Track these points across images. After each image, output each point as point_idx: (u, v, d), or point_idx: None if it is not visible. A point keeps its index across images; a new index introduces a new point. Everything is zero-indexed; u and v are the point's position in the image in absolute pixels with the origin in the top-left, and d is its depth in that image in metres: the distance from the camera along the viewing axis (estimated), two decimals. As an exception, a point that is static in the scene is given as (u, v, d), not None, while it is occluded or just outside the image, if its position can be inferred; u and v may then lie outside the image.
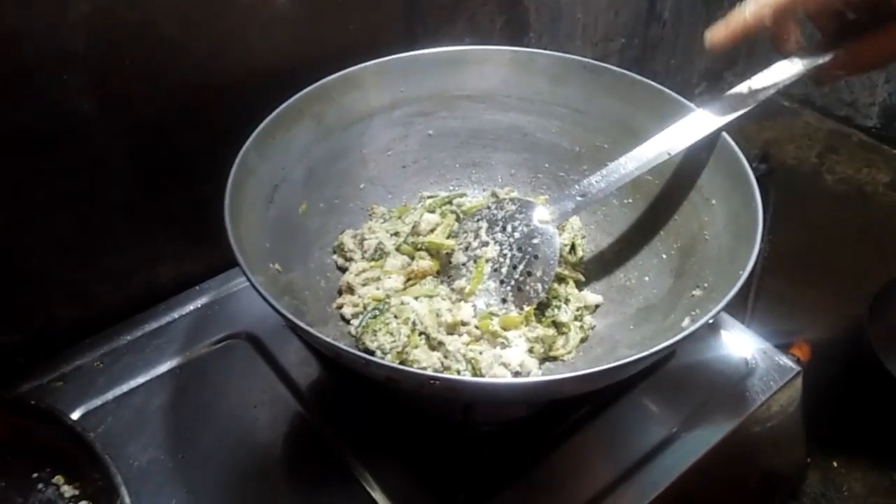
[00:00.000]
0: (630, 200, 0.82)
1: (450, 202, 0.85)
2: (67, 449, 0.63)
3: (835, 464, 1.00)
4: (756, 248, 0.62)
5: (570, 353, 0.73)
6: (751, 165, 1.33)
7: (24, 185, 0.69)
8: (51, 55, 0.64)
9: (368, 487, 0.67)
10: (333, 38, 0.82)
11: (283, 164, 0.74)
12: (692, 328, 0.57)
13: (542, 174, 0.88)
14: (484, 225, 0.77)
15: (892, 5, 0.58)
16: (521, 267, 0.74)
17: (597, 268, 0.82)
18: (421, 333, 0.70)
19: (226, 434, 0.71)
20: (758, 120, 1.53)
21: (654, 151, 0.72)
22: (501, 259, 0.75)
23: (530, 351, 0.71)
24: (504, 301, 0.74)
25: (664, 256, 0.77)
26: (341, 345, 0.54)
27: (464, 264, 0.77)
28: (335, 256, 0.80)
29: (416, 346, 0.69)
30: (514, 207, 0.76)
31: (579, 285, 0.80)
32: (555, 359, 0.73)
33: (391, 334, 0.70)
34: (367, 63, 0.80)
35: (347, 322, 0.74)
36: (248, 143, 0.69)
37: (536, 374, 0.70)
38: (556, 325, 0.74)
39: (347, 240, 0.80)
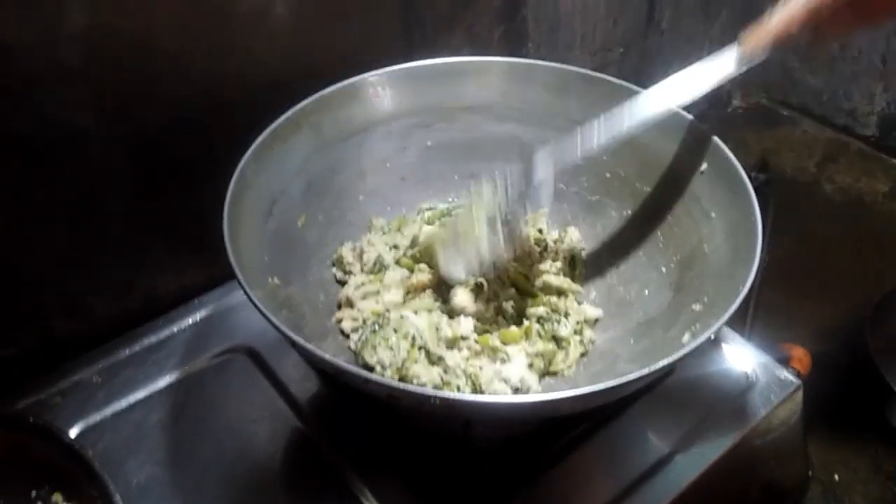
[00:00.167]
0: (629, 212, 0.82)
1: (449, 214, 0.85)
2: (65, 466, 0.63)
3: (836, 477, 0.99)
4: (756, 263, 0.62)
5: (570, 367, 0.73)
6: (749, 174, 1.33)
7: (20, 197, 0.69)
8: (48, 68, 0.64)
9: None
10: (332, 50, 0.82)
11: (281, 176, 0.74)
12: (693, 345, 0.57)
13: (540, 186, 0.88)
14: (489, 190, 0.73)
15: None
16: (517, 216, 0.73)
17: (596, 281, 0.82)
18: (421, 348, 0.70)
19: (225, 449, 0.71)
20: (757, 128, 1.53)
21: (658, 102, 0.71)
22: (499, 212, 0.72)
23: (530, 366, 0.71)
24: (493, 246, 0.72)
25: (663, 270, 0.76)
26: (341, 362, 0.54)
27: (464, 216, 0.75)
28: (334, 269, 0.80)
29: (416, 361, 0.69)
30: (517, 173, 0.73)
31: (579, 298, 0.79)
32: (555, 373, 0.73)
33: (391, 349, 0.70)
34: (366, 74, 0.80)
35: (347, 336, 0.74)
36: (246, 157, 0.69)
37: (536, 390, 0.70)
38: (556, 339, 0.74)
39: (346, 253, 0.80)
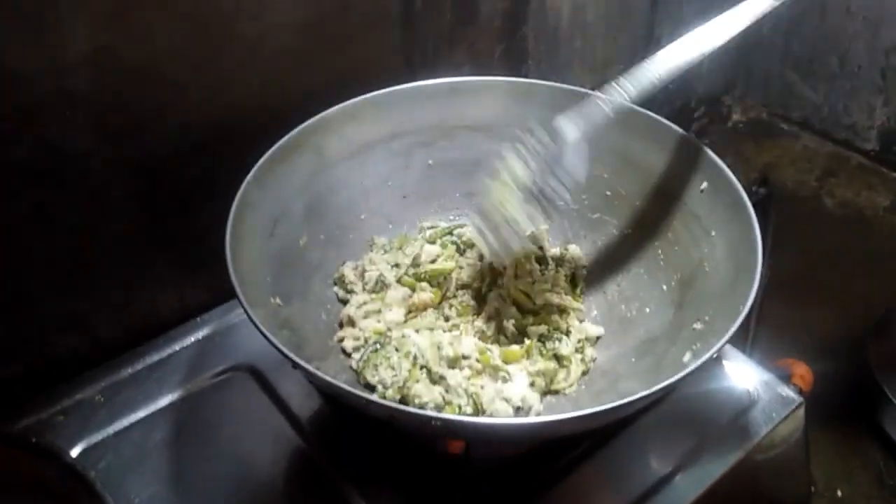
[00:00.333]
0: (630, 231, 0.82)
1: (450, 233, 0.85)
2: (67, 486, 0.63)
3: (839, 493, 0.99)
4: (756, 283, 0.62)
5: (571, 386, 0.73)
6: (750, 189, 1.34)
7: (22, 217, 0.69)
8: (52, 94, 0.64)
9: (369, 522, 0.67)
10: (333, 71, 0.82)
11: (283, 197, 0.75)
12: (694, 365, 0.57)
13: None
14: (513, 155, 0.72)
15: None
16: (549, 182, 0.71)
17: (597, 298, 0.82)
18: (422, 367, 0.70)
19: (226, 468, 0.71)
20: (757, 143, 1.53)
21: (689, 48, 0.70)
22: (528, 180, 0.71)
23: (532, 385, 0.71)
24: (531, 217, 0.71)
25: (664, 288, 0.77)
26: (341, 383, 0.54)
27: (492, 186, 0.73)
28: (336, 288, 0.80)
29: (418, 381, 0.69)
30: (544, 134, 0.71)
31: (580, 316, 0.80)
32: (556, 392, 0.73)
33: (392, 368, 0.70)
34: (367, 95, 0.81)
35: (348, 355, 0.74)
36: (248, 178, 0.69)
37: (538, 410, 0.70)
38: (558, 357, 0.74)
39: (348, 272, 0.80)
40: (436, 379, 0.70)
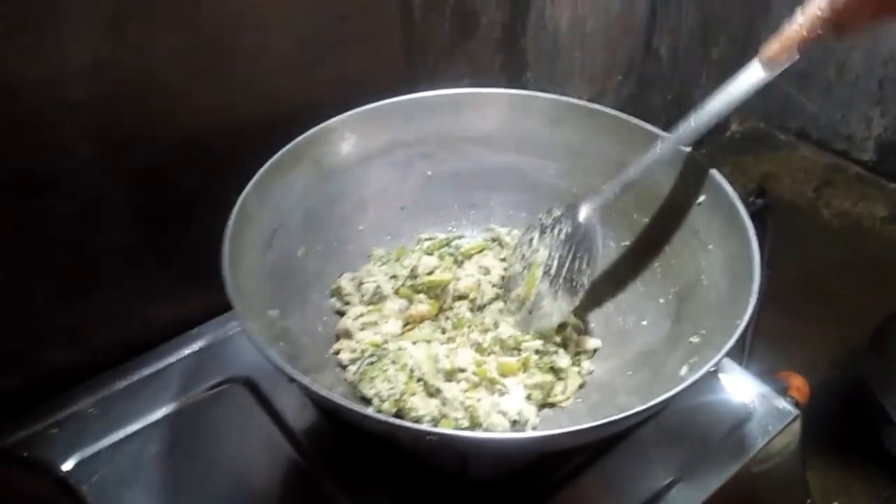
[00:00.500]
0: (627, 243, 0.82)
1: (448, 244, 0.85)
2: (60, 500, 0.63)
3: (836, 504, 0.99)
4: (753, 297, 0.62)
5: (568, 399, 0.73)
6: (748, 199, 1.34)
7: (18, 228, 0.69)
8: (51, 104, 0.64)
9: (365, 537, 0.67)
10: (333, 83, 0.82)
11: (281, 208, 0.74)
12: (691, 379, 0.57)
13: (540, 215, 0.88)
14: (536, 234, 0.79)
15: None
16: (567, 263, 0.75)
17: (594, 311, 0.82)
18: (419, 380, 0.70)
19: (222, 482, 0.71)
20: (755, 153, 1.54)
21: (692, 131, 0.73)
22: (551, 261, 0.76)
23: (528, 398, 0.71)
24: (555, 297, 0.75)
25: (661, 301, 0.76)
26: (337, 397, 0.54)
27: (519, 274, 0.79)
28: (333, 300, 0.80)
29: (414, 394, 0.69)
30: (559, 212, 0.78)
31: (578, 330, 0.79)
32: (553, 405, 0.73)
33: (388, 381, 0.69)
34: (366, 106, 0.80)
35: (345, 368, 0.74)
36: (247, 190, 0.69)
37: (535, 423, 0.70)
38: (554, 370, 0.73)
39: (345, 283, 0.80)
40: (432, 392, 0.69)
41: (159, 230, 0.78)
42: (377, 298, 0.78)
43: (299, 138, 0.75)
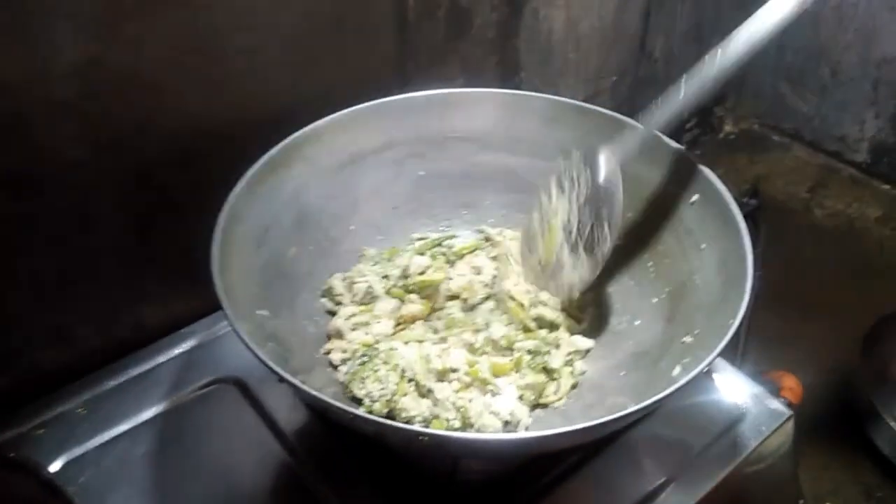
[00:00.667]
0: (620, 242, 0.82)
1: (440, 244, 0.85)
2: (48, 503, 0.62)
3: (828, 505, 0.99)
4: (746, 298, 0.62)
5: (560, 399, 0.72)
6: (741, 200, 1.34)
7: (5, 228, 0.68)
8: (40, 103, 0.63)
9: (356, 539, 0.66)
10: (326, 83, 0.82)
11: (273, 208, 0.74)
12: (684, 380, 0.57)
13: (533, 215, 0.88)
14: (554, 187, 0.75)
15: None
16: (588, 228, 0.72)
17: (587, 311, 0.81)
18: (410, 380, 0.69)
19: (211, 483, 0.70)
20: (748, 154, 1.54)
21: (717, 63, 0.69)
22: (570, 226, 0.74)
23: (520, 398, 0.71)
24: (575, 265, 0.74)
25: (654, 301, 0.76)
26: (327, 397, 0.54)
27: (539, 233, 0.76)
28: (324, 300, 0.80)
29: (405, 395, 0.68)
30: (580, 162, 0.74)
31: (571, 329, 0.79)
32: (545, 405, 0.72)
33: (379, 381, 0.69)
34: (359, 106, 0.80)
35: (336, 368, 0.74)
36: (237, 189, 0.69)
37: (527, 423, 0.69)
38: (547, 370, 0.73)
39: (337, 283, 0.79)
40: (424, 392, 0.69)
41: (149, 230, 0.77)
42: (369, 298, 0.78)
43: (290, 137, 0.75)
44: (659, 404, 0.56)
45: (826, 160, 1.51)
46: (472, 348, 0.74)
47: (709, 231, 0.73)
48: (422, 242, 0.85)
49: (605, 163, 0.72)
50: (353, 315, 0.76)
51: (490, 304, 0.79)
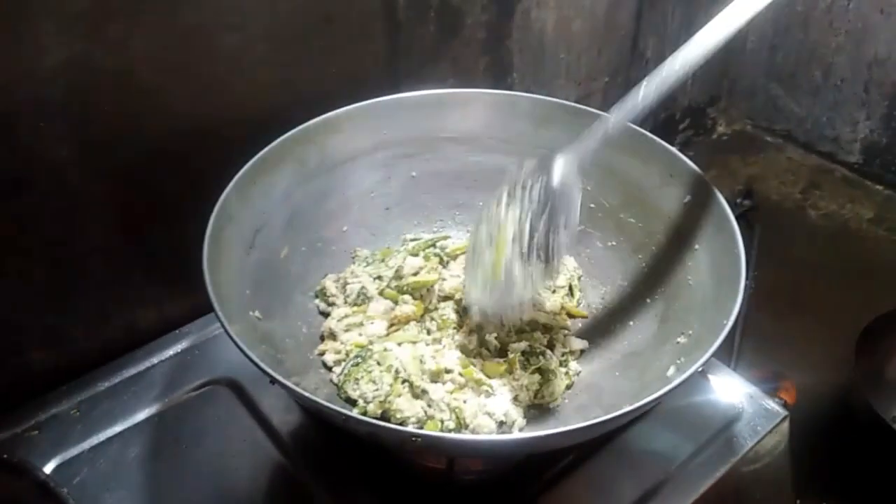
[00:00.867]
0: (614, 243, 0.82)
1: (433, 245, 0.84)
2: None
3: (823, 506, 0.99)
4: (739, 297, 0.62)
5: (555, 400, 0.72)
6: (735, 201, 1.34)
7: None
8: (27, 103, 0.63)
9: (350, 540, 0.66)
10: (316, 82, 0.82)
11: (264, 208, 0.74)
12: (678, 380, 0.57)
13: (526, 215, 0.87)
14: (505, 193, 0.67)
15: None
16: (541, 228, 0.64)
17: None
18: (404, 381, 0.69)
19: (205, 484, 0.70)
20: (742, 155, 1.54)
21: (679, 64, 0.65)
22: (522, 226, 0.65)
23: (515, 399, 0.70)
24: (527, 265, 0.65)
25: (648, 301, 0.76)
26: (319, 399, 0.53)
27: (486, 243, 0.68)
28: (317, 301, 0.79)
29: (400, 395, 0.68)
30: (532, 165, 0.67)
31: (565, 330, 0.79)
32: (540, 406, 0.72)
33: (373, 382, 0.69)
34: (350, 107, 0.80)
35: (329, 369, 0.73)
36: (228, 189, 0.69)
37: (521, 424, 0.69)
38: (541, 371, 0.73)
39: (329, 284, 0.79)
40: (418, 393, 0.69)
41: (140, 231, 0.77)
42: (362, 299, 0.78)
43: (282, 138, 0.75)
44: (653, 404, 0.56)
45: (819, 161, 1.51)
46: (465, 349, 0.74)
47: (702, 231, 0.73)
48: (415, 243, 0.84)
49: (561, 167, 0.66)
50: (347, 316, 0.76)
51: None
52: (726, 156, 1.54)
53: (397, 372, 0.69)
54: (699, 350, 0.60)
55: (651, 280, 0.77)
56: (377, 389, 0.68)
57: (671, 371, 0.65)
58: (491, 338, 0.75)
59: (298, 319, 0.76)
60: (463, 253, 0.84)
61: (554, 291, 0.82)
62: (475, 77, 0.99)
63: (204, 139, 0.75)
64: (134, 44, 0.67)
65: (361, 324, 0.76)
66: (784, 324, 1.20)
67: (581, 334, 0.79)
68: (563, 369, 0.75)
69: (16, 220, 0.68)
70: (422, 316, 0.77)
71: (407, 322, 0.76)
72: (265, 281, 0.72)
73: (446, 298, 0.79)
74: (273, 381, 0.54)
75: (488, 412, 0.68)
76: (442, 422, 0.67)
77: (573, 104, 0.83)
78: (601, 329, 0.79)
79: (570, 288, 0.83)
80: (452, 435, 0.64)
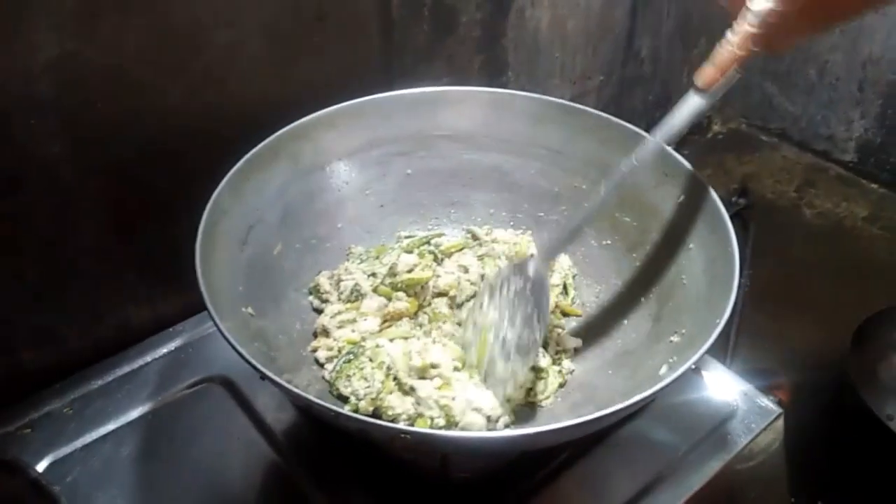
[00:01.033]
0: (608, 242, 0.82)
1: (428, 242, 0.84)
2: (34, 503, 0.61)
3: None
4: (732, 297, 0.62)
5: (548, 398, 0.72)
6: (730, 199, 1.34)
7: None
8: (19, 99, 0.63)
9: (344, 538, 0.66)
10: (311, 79, 0.82)
11: (258, 204, 0.74)
12: (670, 378, 0.57)
13: (521, 214, 0.88)
14: (486, 297, 0.72)
15: None
16: (518, 322, 0.69)
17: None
18: (395, 378, 0.69)
19: (198, 483, 0.70)
20: (737, 154, 1.54)
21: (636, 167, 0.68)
22: (501, 322, 0.70)
23: (508, 398, 0.70)
24: (507, 360, 0.69)
25: (642, 300, 0.76)
26: (310, 395, 0.53)
27: (472, 341, 0.72)
28: (311, 298, 0.79)
29: (391, 392, 0.68)
30: (507, 271, 0.72)
31: (559, 328, 0.79)
32: (533, 404, 0.72)
33: (365, 379, 0.69)
34: (345, 104, 0.80)
35: (322, 366, 0.73)
36: (221, 185, 0.69)
37: (508, 421, 0.69)
38: (534, 369, 0.73)
39: (323, 281, 0.79)
40: (406, 390, 0.68)
41: (133, 229, 0.77)
42: (355, 296, 0.78)
43: (276, 134, 0.75)
44: (646, 402, 0.56)
45: (814, 160, 1.52)
46: (455, 339, 0.74)
47: (696, 231, 0.73)
48: (409, 240, 0.84)
49: (533, 269, 0.71)
50: (340, 313, 0.76)
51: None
52: (721, 154, 1.54)
53: (389, 368, 0.69)
54: (692, 349, 0.60)
55: (645, 279, 0.77)
56: (369, 386, 0.68)
57: (663, 370, 0.65)
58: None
59: (291, 316, 0.76)
60: (458, 250, 0.84)
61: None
62: (470, 75, 0.99)
63: (197, 136, 0.75)
64: (126, 40, 0.67)
65: (355, 320, 0.75)
66: (779, 321, 1.20)
67: (575, 333, 0.79)
68: (557, 367, 0.75)
69: (8, 218, 0.68)
70: (415, 313, 0.77)
71: (400, 318, 0.76)
72: (258, 277, 0.72)
73: (440, 295, 0.79)
74: (263, 377, 0.54)
75: (476, 408, 0.68)
76: (432, 419, 0.67)
77: (568, 102, 0.83)
78: (595, 327, 0.79)
79: (565, 286, 0.83)
80: (442, 432, 0.64)
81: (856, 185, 1.47)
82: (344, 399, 0.69)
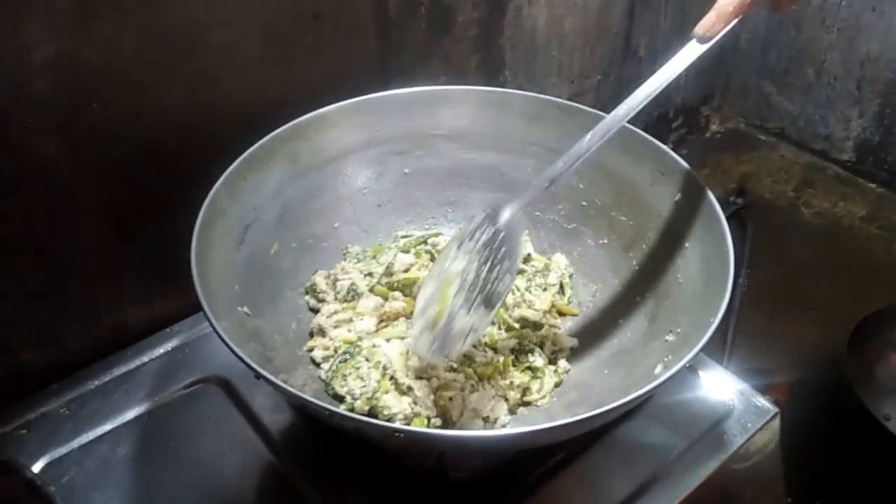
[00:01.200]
0: (605, 241, 0.82)
1: (424, 242, 0.84)
2: (28, 502, 0.61)
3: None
4: (727, 296, 0.62)
5: (544, 398, 0.72)
6: (728, 199, 1.34)
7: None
8: (15, 98, 0.63)
9: (340, 538, 0.66)
10: (307, 79, 0.82)
11: (254, 204, 0.74)
12: (664, 377, 0.57)
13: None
14: (455, 246, 0.68)
15: None
16: (484, 273, 0.66)
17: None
18: (391, 378, 0.69)
19: (195, 483, 0.70)
20: (735, 153, 1.54)
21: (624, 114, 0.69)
22: (466, 273, 0.66)
23: (504, 398, 0.70)
24: (469, 311, 0.65)
25: (638, 299, 0.76)
26: (305, 395, 0.53)
27: (434, 292, 0.67)
28: (307, 297, 0.79)
29: (387, 392, 0.68)
30: (479, 218, 0.69)
31: (555, 328, 0.79)
32: (529, 404, 0.72)
33: (361, 379, 0.69)
34: (342, 103, 0.80)
35: (318, 366, 0.73)
36: (218, 184, 0.69)
37: (505, 421, 0.69)
38: (531, 369, 0.73)
39: (320, 280, 0.79)
40: (403, 390, 0.69)
41: (131, 229, 0.77)
42: (352, 296, 0.78)
43: (272, 134, 0.75)
44: (640, 401, 0.56)
45: (812, 159, 1.51)
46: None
47: (693, 230, 0.73)
48: (406, 240, 0.84)
49: (507, 216, 0.68)
50: (336, 312, 0.76)
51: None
52: (719, 154, 1.54)
53: (385, 368, 0.69)
54: (687, 347, 0.60)
55: (641, 278, 0.77)
56: (364, 386, 0.68)
57: (659, 369, 0.65)
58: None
59: (288, 316, 0.76)
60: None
61: (545, 289, 0.82)
62: (467, 74, 0.99)
63: (194, 136, 0.75)
64: (123, 40, 0.67)
65: (351, 320, 0.76)
66: (776, 321, 1.20)
67: (571, 332, 0.79)
68: (553, 367, 0.75)
69: (6, 218, 0.68)
70: (412, 312, 0.77)
71: (396, 318, 0.76)
72: (255, 277, 0.72)
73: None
74: (258, 376, 0.54)
75: (474, 409, 0.68)
76: (429, 419, 0.67)
77: (565, 102, 0.83)
78: (591, 327, 0.79)
79: (561, 286, 0.83)
80: (436, 431, 0.64)
81: (854, 184, 1.46)
82: (340, 399, 0.69)
